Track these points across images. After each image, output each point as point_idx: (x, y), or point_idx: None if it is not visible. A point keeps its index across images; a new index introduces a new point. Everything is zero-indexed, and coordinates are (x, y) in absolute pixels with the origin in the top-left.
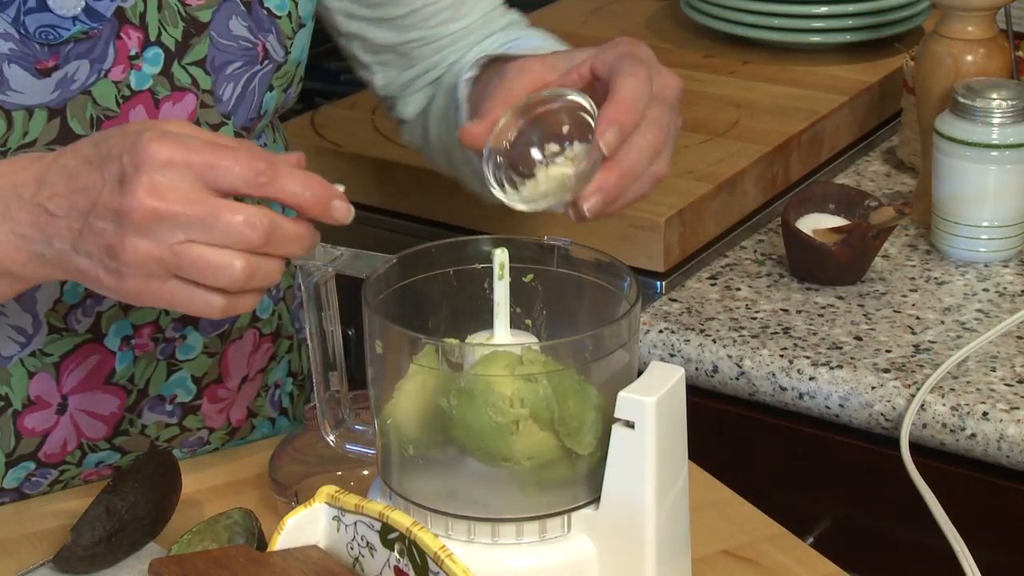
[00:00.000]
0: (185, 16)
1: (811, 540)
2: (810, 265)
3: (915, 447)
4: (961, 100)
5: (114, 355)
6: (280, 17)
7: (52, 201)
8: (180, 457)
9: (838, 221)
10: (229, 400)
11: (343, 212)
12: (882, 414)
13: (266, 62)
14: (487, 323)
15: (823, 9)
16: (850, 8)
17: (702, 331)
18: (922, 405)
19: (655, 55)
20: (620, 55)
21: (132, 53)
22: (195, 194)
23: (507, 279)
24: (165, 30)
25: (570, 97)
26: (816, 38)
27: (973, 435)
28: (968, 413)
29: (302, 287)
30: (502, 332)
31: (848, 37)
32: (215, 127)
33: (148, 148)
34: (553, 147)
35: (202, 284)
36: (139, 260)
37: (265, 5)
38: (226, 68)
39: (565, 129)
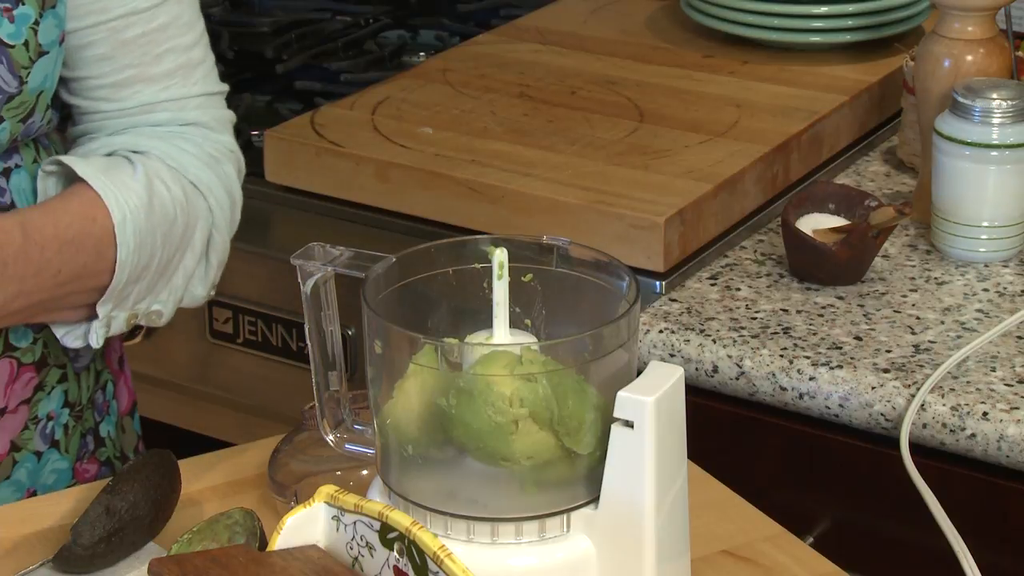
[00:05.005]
0: None
1: (811, 540)
2: (810, 265)
3: (915, 447)
4: (961, 100)
5: None
6: (12, 46)
7: None
8: None
9: (838, 221)
10: None
11: None
12: (882, 414)
13: None
14: (486, 323)
15: (823, 9)
16: (850, 8)
17: (702, 331)
18: (922, 405)
19: None
20: None
21: None
22: None
23: (506, 279)
24: None
25: None
26: (816, 38)
27: (973, 435)
28: (968, 413)
29: (301, 287)
30: (501, 332)
31: (848, 37)
32: None
33: None
34: None
35: None
36: None
37: None
38: None
39: None
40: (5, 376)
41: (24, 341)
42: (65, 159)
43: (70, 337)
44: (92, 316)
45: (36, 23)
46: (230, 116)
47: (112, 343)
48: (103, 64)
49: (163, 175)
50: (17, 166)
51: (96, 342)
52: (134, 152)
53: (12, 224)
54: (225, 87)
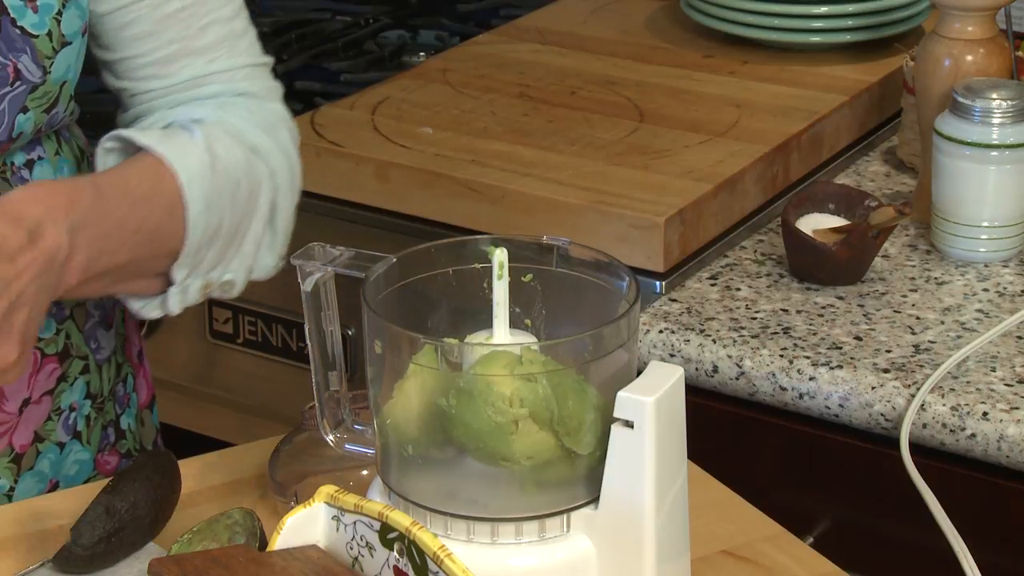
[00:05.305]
0: None
1: (811, 540)
2: (810, 265)
3: (915, 447)
4: (961, 100)
5: None
6: (36, 36)
7: None
8: None
9: (838, 221)
10: (10, 424)
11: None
12: (882, 414)
13: (18, 83)
14: (486, 323)
15: (823, 9)
16: (850, 8)
17: (702, 331)
18: (922, 405)
19: None
20: None
21: None
22: None
23: (506, 279)
24: None
25: None
26: (816, 38)
27: (973, 435)
28: (968, 413)
29: (301, 287)
30: (501, 332)
31: (848, 37)
32: None
33: None
34: None
35: None
36: None
37: (19, 24)
38: None
39: None
40: (29, 367)
41: (47, 332)
42: (124, 132)
43: (148, 308)
44: (167, 287)
45: (59, 13)
46: (278, 86)
47: (131, 336)
48: (147, 41)
49: (222, 139)
50: (40, 158)
51: (176, 308)
52: (191, 121)
53: (85, 183)
54: (270, 59)
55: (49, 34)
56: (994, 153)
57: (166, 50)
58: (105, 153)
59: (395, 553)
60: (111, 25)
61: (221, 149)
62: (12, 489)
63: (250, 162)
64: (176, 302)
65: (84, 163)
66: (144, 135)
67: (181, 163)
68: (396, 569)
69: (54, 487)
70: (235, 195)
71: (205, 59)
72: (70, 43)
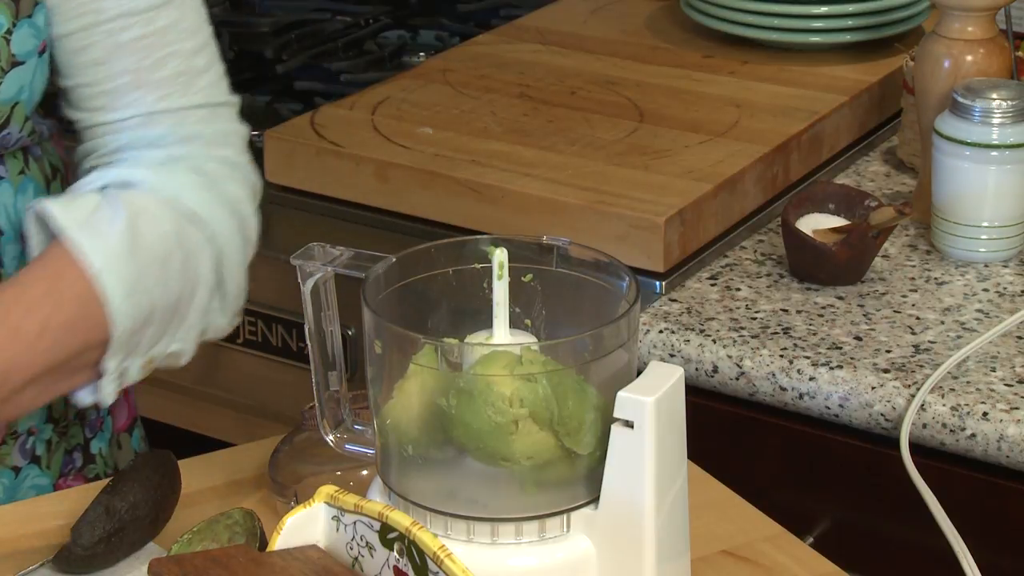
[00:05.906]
0: None
1: (811, 540)
2: (810, 265)
3: (915, 447)
4: (961, 100)
5: None
6: None
7: None
8: None
9: (838, 221)
10: None
11: None
12: (882, 414)
13: None
14: (486, 323)
15: (823, 9)
16: (850, 8)
17: (702, 331)
18: (922, 405)
19: None
20: None
21: None
22: None
23: (506, 279)
24: None
25: None
26: (816, 38)
27: (973, 435)
28: (968, 413)
29: (301, 287)
30: (501, 332)
31: (848, 37)
32: None
33: None
34: None
35: None
36: None
37: None
38: None
39: None
40: None
41: None
42: (46, 209)
43: (82, 393)
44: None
45: (8, 32)
46: (238, 130)
47: None
48: (99, 69)
49: (151, 211)
50: (0, 178)
51: (111, 396)
52: (125, 185)
53: None
54: (235, 99)
55: None
56: (994, 153)
57: (117, 81)
58: (33, 220)
59: (395, 553)
60: (67, 49)
61: (146, 225)
62: None
63: (181, 233)
64: (111, 390)
65: (57, 181)
66: (66, 213)
67: (96, 252)
68: (396, 569)
69: None
70: (165, 272)
71: (156, 95)
72: (22, 63)
